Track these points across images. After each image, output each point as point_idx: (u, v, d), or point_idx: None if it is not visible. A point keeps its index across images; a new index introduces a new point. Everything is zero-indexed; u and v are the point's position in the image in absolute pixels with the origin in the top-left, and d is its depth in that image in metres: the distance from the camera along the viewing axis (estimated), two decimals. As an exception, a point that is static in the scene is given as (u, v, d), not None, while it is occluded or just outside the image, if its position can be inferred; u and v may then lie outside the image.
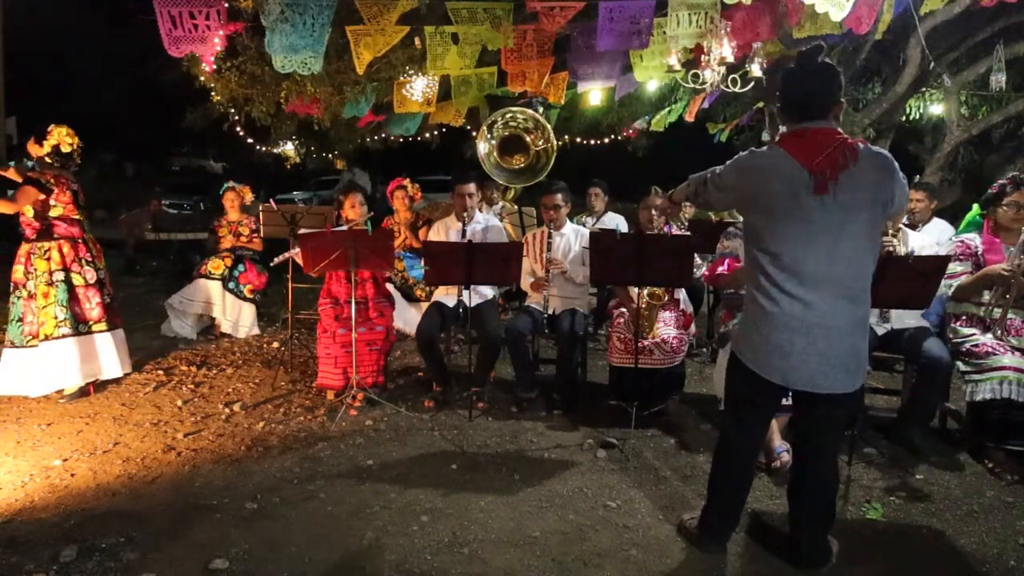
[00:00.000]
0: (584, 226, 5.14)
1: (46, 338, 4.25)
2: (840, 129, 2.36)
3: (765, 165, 2.33)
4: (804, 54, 2.37)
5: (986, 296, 3.53)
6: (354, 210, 4.67)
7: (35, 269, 4.28)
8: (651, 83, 6.77)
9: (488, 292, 4.59)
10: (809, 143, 2.28)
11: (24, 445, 3.61)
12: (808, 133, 2.31)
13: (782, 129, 2.42)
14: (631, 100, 9.19)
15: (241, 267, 6.06)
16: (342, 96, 7.13)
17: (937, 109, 8.01)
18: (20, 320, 4.27)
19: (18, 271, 4.31)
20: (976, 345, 3.48)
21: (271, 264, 4.76)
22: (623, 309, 4.18)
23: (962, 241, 3.67)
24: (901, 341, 3.68)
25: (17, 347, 4.26)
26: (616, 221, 6.02)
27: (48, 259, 4.30)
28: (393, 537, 2.75)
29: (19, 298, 4.29)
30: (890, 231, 3.70)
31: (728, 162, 2.47)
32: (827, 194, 2.23)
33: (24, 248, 4.33)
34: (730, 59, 4.79)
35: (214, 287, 5.95)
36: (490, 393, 4.41)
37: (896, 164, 2.35)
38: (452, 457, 3.53)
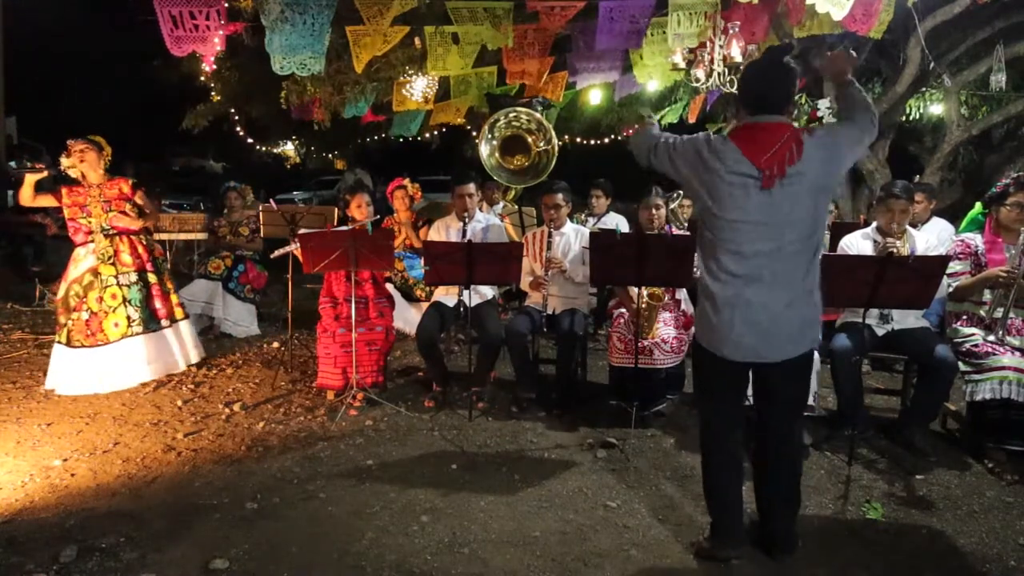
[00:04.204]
0: (585, 226, 5.14)
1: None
2: (791, 122, 2.40)
3: (714, 158, 2.37)
4: (774, 49, 2.42)
5: (987, 295, 3.53)
6: (360, 210, 4.65)
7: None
8: (651, 83, 6.76)
9: (488, 292, 4.59)
10: (759, 139, 2.32)
11: (24, 445, 3.61)
12: (759, 128, 2.35)
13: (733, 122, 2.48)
14: (631, 100, 9.18)
15: (241, 267, 6.06)
16: (342, 96, 7.14)
17: (937, 109, 8.00)
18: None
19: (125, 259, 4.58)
20: (976, 345, 3.48)
21: (271, 256, 4.77)
22: (623, 309, 4.18)
23: (962, 240, 3.67)
24: (903, 341, 3.68)
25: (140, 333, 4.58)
26: (616, 221, 6.03)
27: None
28: (393, 537, 2.75)
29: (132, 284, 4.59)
30: (895, 231, 3.71)
31: (687, 137, 2.49)
32: (774, 188, 2.29)
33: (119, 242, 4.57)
34: (739, 59, 4.78)
35: (214, 287, 5.95)
36: (490, 393, 4.41)
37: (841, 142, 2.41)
38: (452, 457, 3.53)
